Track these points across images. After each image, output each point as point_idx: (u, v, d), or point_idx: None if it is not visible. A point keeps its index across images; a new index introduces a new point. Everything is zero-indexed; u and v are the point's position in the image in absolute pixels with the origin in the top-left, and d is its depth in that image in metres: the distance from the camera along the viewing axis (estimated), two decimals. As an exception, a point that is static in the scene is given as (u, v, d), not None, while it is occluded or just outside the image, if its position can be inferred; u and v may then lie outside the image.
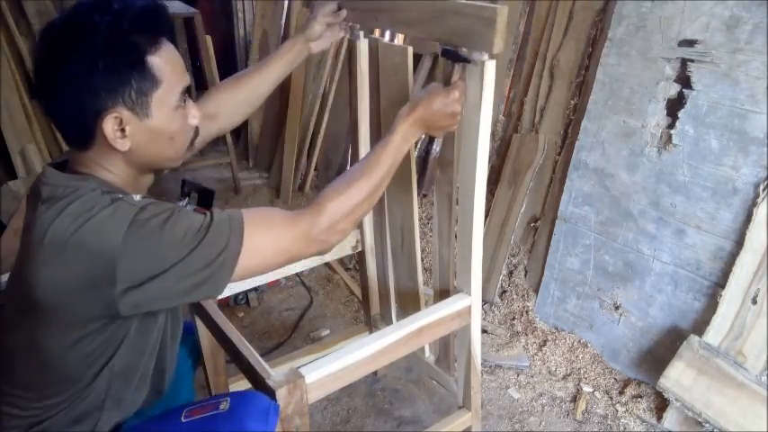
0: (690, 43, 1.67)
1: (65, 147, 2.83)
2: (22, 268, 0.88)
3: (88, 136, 0.88)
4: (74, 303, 0.85)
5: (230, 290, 1.41)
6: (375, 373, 1.88)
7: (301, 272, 2.34)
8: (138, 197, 0.88)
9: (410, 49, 1.23)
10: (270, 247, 0.93)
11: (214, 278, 0.88)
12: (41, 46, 0.87)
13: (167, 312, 1.05)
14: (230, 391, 1.47)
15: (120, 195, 0.87)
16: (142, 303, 0.86)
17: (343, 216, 0.99)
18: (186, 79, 0.94)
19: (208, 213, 0.90)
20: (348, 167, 2.94)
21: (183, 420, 0.98)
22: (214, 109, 1.23)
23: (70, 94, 0.85)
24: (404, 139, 1.09)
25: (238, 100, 1.26)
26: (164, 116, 0.91)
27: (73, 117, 0.88)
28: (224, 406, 0.97)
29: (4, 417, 0.96)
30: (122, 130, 0.88)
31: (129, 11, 0.85)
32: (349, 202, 1.00)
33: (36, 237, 0.84)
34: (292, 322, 2.19)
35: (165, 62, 0.89)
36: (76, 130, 0.89)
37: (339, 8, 1.30)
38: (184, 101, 0.95)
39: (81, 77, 0.84)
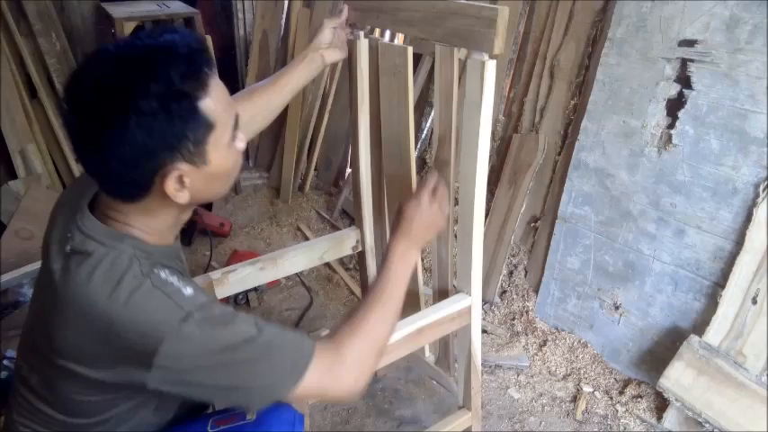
0: (690, 43, 1.67)
1: (66, 149, 2.84)
2: (47, 321, 0.85)
3: (143, 194, 0.83)
4: (100, 370, 0.83)
5: (230, 290, 1.42)
6: (375, 374, 1.88)
7: (301, 272, 2.34)
8: (188, 290, 0.82)
9: (410, 49, 1.23)
10: (304, 389, 0.87)
11: (254, 401, 0.86)
12: (78, 108, 0.79)
13: None
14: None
15: (162, 273, 0.82)
16: (172, 391, 0.84)
17: (365, 354, 0.94)
18: (234, 110, 0.87)
19: (268, 327, 0.86)
20: (348, 168, 2.96)
21: (210, 430, 0.98)
22: None
23: (122, 157, 0.77)
24: (403, 262, 1.08)
25: (251, 114, 1.23)
26: (221, 157, 0.85)
27: (126, 178, 0.81)
28: (251, 416, 0.97)
29: None
30: (182, 183, 0.82)
31: (175, 61, 0.77)
32: (366, 338, 0.95)
33: (66, 299, 0.81)
34: (292, 322, 2.19)
35: (216, 102, 0.82)
36: (129, 189, 0.83)
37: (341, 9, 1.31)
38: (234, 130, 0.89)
39: (135, 141, 0.76)
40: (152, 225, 0.88)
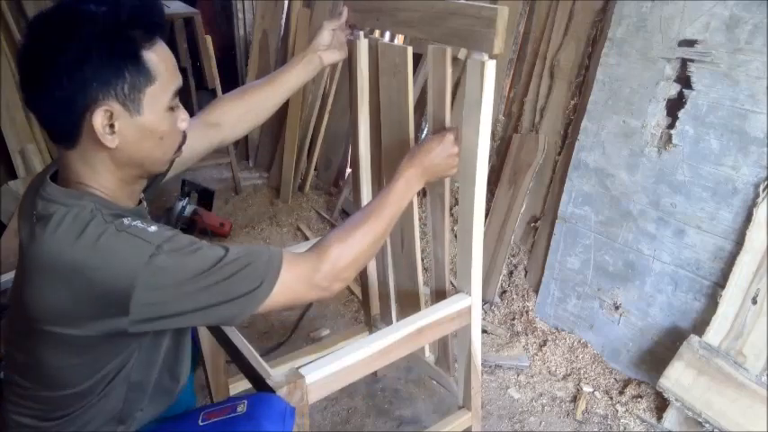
0: (690, 43, 1.67)
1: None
2: (20, 290, 0.86)
3: (74, 132, 0.85)
4: (79, 327, 0.84)
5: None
6: (375, 374, 1.88)
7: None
8: (152, 228, 0.85)
9: (409, 49, 1.23)
10: (277, 291, 0.92)
11: (235, 314, 0.90)
12: (31, 35, 0.84)
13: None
14: (233, 392, 1.47)
15: (125, 220, 0.85)
16: (155, 326, 0.87)
17: (346, 263, 0.99)
18: (179, 80, 0.92)
19: (233, 246, 0.90)
20: (348, 168, 2.96)
21: (201, 423, 0.98)
22: (218, 118, 1.23)
23: (60, 85, 0.81)
24: (407, 186, 1.10)
25: (244, 111, 1.25)
26: (155, 114, 0.88)
27: (60, 110, 0.84)
28: (241, 408, 0.98)
29: (19, 427, 0.96)
30: (111, 126, 0.85)
31: (126, 2, 0.83)
32: (353, 250, 1.00)
33: (34, 260, 0.83)
34: (292, 322, 2.19)
35: (160, 60, 0.87)
36: (63, 124, 0.85)
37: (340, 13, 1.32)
38: (177, 104, 0.92)
39: (73, 67, 0.81)
40: (101, 181, 0.89)
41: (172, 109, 0.91)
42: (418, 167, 1.12)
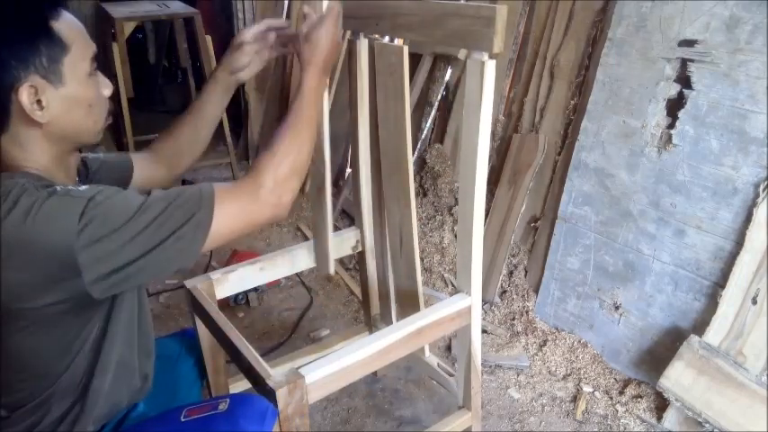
0: (690, 43, 1.67)
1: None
2: None
3: (4, 114, 0.87)
4: (40, 298, 0.84)
5: (230, 290, 1.42)
6: (375, 374, 1.88)
7: (301, 272, 2.34)
8: (82, 187, 0.86)
9: (405, 48, 1.23)
10: (223, 215, 0.92)
11: (185, 248, 0.89)
12: None
13: (135, 294, 1.05)
14: (231, 392, 1.47)
15: (58, 187, 0.85)
16: (116, 285, 0.87)
17: (285, 172, 0.99)
18: (93, 47, 0.94)
19: (153, 189, 0.90)
20: (348, 168, 2.96)
21: (182, 420, 0.99)
22: (156, 155, 1.23)
23: None
24: (312, 84, 1.09)
25: (181, 142, 1.25)
26: (78, 83, 0.90)
27: None
28: (223, 406, 0.98)
29: None
30: (39, 102, 0.86)
31: None
32: (287, 157, 1.00)
33: None
34: (292, 322, 2.19)
35: (70, 29, 0.89)
36: None
37: (266, 29, 1.24)
38: (95, 70, 0.94)
39: None
40: (36, 160, 0.90)
41: (92, 76, 0.93)
42: (316, 69, 1.10)
